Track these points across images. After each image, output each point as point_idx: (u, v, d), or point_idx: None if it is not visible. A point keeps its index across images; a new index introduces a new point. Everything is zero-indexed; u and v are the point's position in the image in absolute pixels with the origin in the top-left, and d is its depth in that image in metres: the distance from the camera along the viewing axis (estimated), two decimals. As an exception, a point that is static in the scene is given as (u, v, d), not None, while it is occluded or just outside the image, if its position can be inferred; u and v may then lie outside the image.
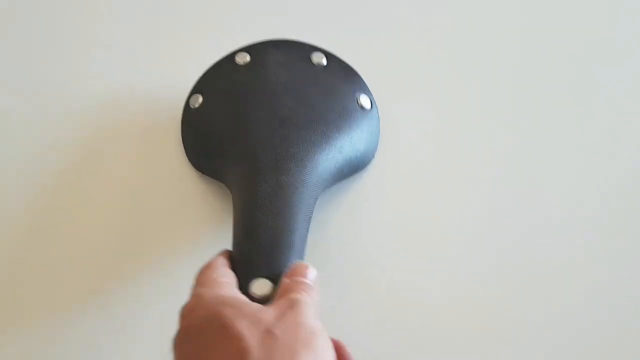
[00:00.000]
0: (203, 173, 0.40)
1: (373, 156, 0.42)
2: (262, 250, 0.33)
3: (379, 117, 0.42)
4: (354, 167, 0.40)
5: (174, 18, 0.54)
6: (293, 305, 0.30)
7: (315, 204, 0.37)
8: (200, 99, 0.41)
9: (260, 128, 0.38)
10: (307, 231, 0.36)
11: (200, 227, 0.43)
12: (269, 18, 0.53)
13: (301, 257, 0.34)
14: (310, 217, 0.36)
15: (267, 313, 0.29)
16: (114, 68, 0.51)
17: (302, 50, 0.42)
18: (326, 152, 0.38)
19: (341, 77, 0.42)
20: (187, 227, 0.43)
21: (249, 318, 0.28)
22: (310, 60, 0.41)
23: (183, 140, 0.41)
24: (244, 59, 0.41)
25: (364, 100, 0.42)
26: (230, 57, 0.42)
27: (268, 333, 0.27)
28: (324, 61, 0.42)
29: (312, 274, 0.33)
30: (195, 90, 0.42)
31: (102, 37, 0.54)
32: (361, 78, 0.43)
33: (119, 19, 0.55)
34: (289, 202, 0.35)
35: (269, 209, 0.34)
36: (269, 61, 0.41)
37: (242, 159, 0.37)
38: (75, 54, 0.52)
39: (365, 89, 0.42)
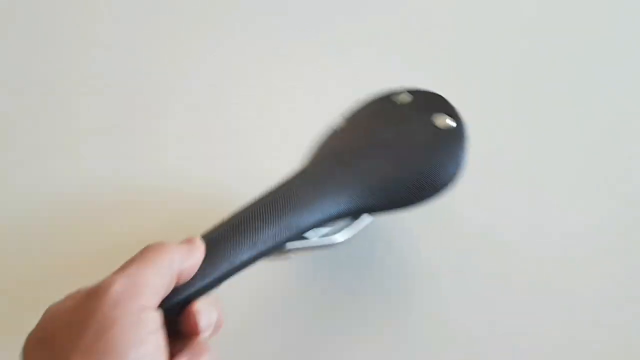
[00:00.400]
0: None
1: (448, 177, 0.38)
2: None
3: (462, 134, 0.39)
4: (418, 195, 0.38)
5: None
6: None
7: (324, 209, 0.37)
8: (341, 124, 0.43)
9: (353, 150, 0.40)
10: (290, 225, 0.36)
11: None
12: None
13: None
14: (301, 216, 0.36)
15: None
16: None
17: (392, 97, 0.43)
18: (370, 159, 0.39)
19: (418, 106, 0.41)
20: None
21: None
22: (392, 99, 0.42)
23: (318, 149, 0.43)
24: (339, 122, 0.43)
25: (441, 120, 0.40)
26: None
27: None
28: (409, 99, 0.42)
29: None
30: (343, 116, 0.44)
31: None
32: (441, 100, 0.41)
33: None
34: (280, 199, 0.36)
35: (266, 196, 0.36)
36: (362, 113, 0.43)
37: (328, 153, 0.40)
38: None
39: (443, 109, 0.40)
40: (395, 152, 0.38)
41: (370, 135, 0.40)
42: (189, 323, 0.30)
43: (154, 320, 0.28)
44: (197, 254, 0.32)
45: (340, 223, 0.37)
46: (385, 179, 0.38)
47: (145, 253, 0.30)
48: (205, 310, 0.31)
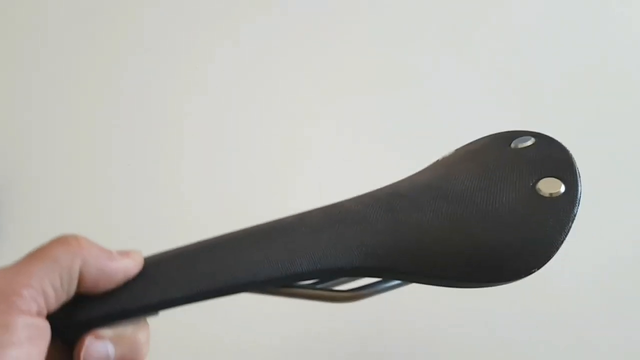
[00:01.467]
0: None
1: (524, 273, 0.28)
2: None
3: (569, 207, 0.28)
4: (460, 279, 0.28)
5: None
6: None
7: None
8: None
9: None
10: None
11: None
12: None
13: None
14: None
15: None
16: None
17: (507, 136, 0.33)
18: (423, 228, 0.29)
19: (530, 160, 0.31)
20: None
21: None
22: (510, 144, 0.32)
23: None
24: (448, 153, 0.35)
25: (545, 185, 0.29)
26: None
27: None
28: (528, 143, 0.31)
29: None
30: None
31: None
32: (564, 159, 0.30)
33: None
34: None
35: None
36: (460, 152, 0.34)
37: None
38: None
39: (554, 171, 0.30)
40: (459, 208, 0.29)
41: (445, 179, 0.30)
42: (74, 354, 0.25)
43: (26, 328, 0.23)
44: (122, 262, 0.26)
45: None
46: (431, 240, 0.28)
47: (48, 245, 0.25)
48: (95, 345, 0.25)
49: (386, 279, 0.29)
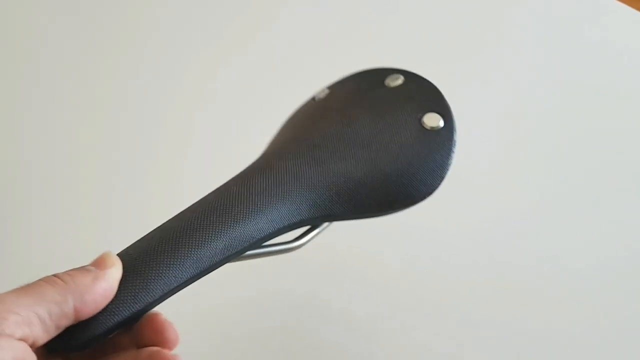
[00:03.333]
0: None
1: (427, 192, 0.33)
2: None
3: (449, 137, 0.34)
4: (380, 203, 0.33)
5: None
6: None
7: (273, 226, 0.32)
8: (327, 92, 0.39)
9: (326, 137, 0.35)
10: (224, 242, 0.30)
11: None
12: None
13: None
14: (235, 234, 0.30)
15: None
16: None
17: (380, 74, 0.37)
18: (344, 180, 0.33)
19: (409, 96, 0.35)
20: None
21: None
22: (384, 83, 0.36)
23: (292, 118, 0.39)
24: (323, 92, 0.38)
25: (430, 119, 0.34)
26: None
27: None
28: (399, 82, 0.36)
29: None
30: (327, 86, 0.39)
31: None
32: (436, 95, 0.35)
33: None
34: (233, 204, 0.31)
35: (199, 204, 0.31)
36: (340, 92, 0.37)
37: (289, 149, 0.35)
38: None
39: (433, 107, 0.35)
40: (372, 153, 0.33)
41: (348, 125, 0.34)
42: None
43: (10, 350, 0.23)
44: (105, 281, 0.26)
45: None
46: (358, 184, 0.33)
47: (35, 283, 0.25)
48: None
49: (320, 223, 0.33)
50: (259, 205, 0.30)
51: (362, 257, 0.44)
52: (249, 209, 0.30)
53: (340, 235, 0.37)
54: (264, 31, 0.56)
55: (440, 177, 0.33)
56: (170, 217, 0.30)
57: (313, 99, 0.38)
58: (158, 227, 0.29)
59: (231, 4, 0.58)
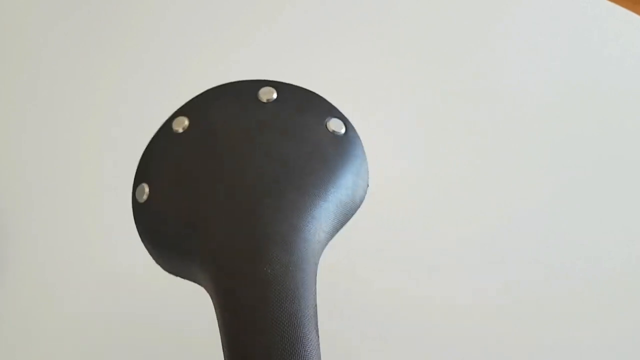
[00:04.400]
0: (175, 275, 0.32)
1: (366, 186, 0.33)
2: None
3: (357, 137, 0.33)
4: (348, 210, 0.32)
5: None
6: None
7: (315, 283, 0.28)
8: (147, 189, 0.32)
9: (225, 208, 0.29)
10: (316, 324, 0.27)
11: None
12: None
13: None
14: (315, 301, 0.27)
15: None
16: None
17: (247, 90, 0.34)
18: (311, 210, 0.29)
19: (299, 107, 0.33)
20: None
21: None
22: (259, 99, 0.33)
23: (141, 240, 0.33)
24: (181, 124, 0.32)
25: (336, 125, 0.33)
26: (167, 125, 0.33)
27: None
28: (274, 95, 0.33)
29: None
30: (139, 179, 0.33)
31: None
32: (324, 100, 0.34)
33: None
34: (287, 303, 0.26)
35: (264, 323, 0.26)
36: (212, 118, 0.32)
37: (211, 253, 0.29)
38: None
39: (333, 111, 0.34)
40: (313, 180, 0.30)
41: (269, 156, 0.30)
42: None
43: None
44: None
45: None
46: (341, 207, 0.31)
47: None
48: None
49: None
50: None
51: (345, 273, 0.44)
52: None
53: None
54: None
55: (366, 172, 0.32)
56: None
57: (172, 133, 0.32)
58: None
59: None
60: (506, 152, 0.49)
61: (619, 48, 0.56)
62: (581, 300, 0.43)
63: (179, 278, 0.44)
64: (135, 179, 0.33)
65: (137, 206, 0.32)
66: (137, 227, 0.32)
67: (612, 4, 0.58)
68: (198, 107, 0.33)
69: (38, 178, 0.49)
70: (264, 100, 0.33)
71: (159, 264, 0.32)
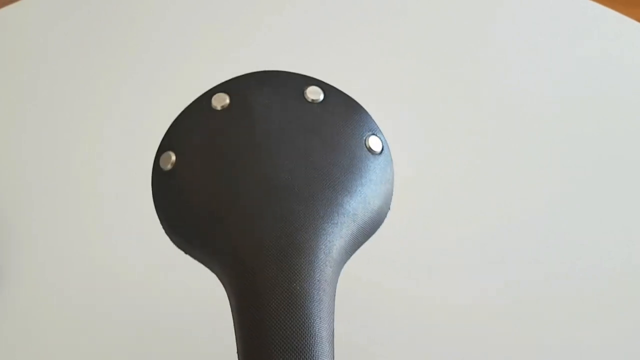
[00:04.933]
0: (185, 253, 0.32)
1: (389, 208, 0.32)
2: None
3: (391, 158, 0.33)
4: (369, 232, 0.31)
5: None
6: None
7: (334, 301, 0.28)
8: (173, 158, 0.31)
9: (255, 204, 0.28)
10: (333, 345, 0.27)
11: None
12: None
13: None
14: (333, 324, 0.27)
15: None
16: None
17: (294, 84, 0.33)
18: (338, 227, 0.29)
19: (343, 115, 0.32)
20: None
21: None
22: (305, 97, 0.32)
23: (156, 210, 0.32)
24: (222, 101, 0.32)
25: (374, 143, 0.32)
26: (206, 99, 0.32)
27: None
28: (321, 96, 0.32)
29: None
30: (166, 146, 0.32)
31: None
32: (367, 114, 0.33)
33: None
34: (309, 320, 0.26)
35: (286, 337, 0.26)
36: (253, 105, 0.31)
37: (237, 254, 0.28)
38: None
39: (373, 128, 0.33)
40: (344, 198, 0.29)
41: (306, 157, 0.30)
42: None
43: None
44: None
45: None
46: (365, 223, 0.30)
47: None
48: None
49: None
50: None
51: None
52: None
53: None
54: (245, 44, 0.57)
55: (390, 196, 0.32)
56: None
57: (210, 108, 0.31)
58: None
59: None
60: (506, 153, 0.49)
61: (617, 50, 0.56)
62: (582, 301, 0.43)
63: (179, 278, 0.44)
64: (161, 145, 0.32)
65: (159, 173, 0.31)
66: (154, 196, 0.31)
67: (610, 9, 0.58)
68: (242, 89, 0.32)
69: (38, 178, 0.49)
70: (310, 99, 0.32)
71: (171, 238, 0.31)
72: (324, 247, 0.28)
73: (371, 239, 0.45)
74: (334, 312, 0.27)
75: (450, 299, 0.42)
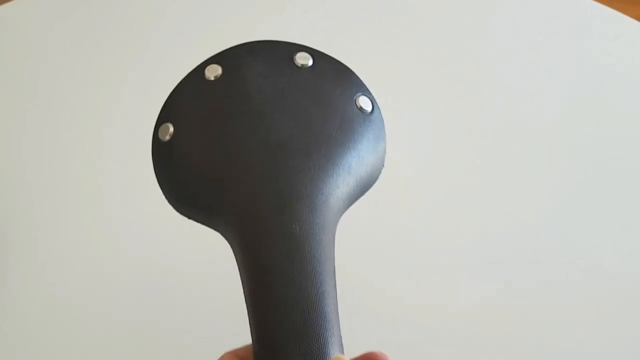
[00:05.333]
0: (190, 219, 0.33)
1: (383, 165, 0.34)
2: (293, 334, 0.26)
3: (382, 117, 0.35)
4: (365, 185, 0.33)
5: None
6: None
7: (334, 246, 0.30)
8: (171, 129, 0.33)
9: (253, 162, 0.30)
10: (335, 288, 0.29)
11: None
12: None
13: (339, 329, 0.28)
14: (334, 267, 0.29)
15: None
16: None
17: (283, 51, 0.34)
18: (334, 178, 0.31)
19: (332, 77, 0.34)
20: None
21: None
22: (294, 62, 0.34)
23: (158, 180, 0.33)
24: (215, 72, 0.33)
25: (364, 102, 0.34)
26: (199, 71, 0.34)
27: None
28: (310, 61, 0.34)
29: None
30: (163, 118, 0.33)
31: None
32: (356, 76, 0.35)
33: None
34: (311, 259, 0.28)
35: (288, 275, 0.28)
36: (246, 72, 0.33)
37: (236, 205, 0.30)
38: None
39: (363, 88, 0.35)
40: (334, 146, 0.31)
41: (300, 121, 0.31)
42: None
43: None
44: None
45: None
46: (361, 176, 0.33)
47: None
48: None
49: None
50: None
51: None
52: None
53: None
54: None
55: (383, 152, 0.34)
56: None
57: (203, 79, 0.33)
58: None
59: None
60: (507, 153, 0.49)
61: (617, 49, 0.56)
62: (581, 301, 0.43)
63: (178, 279, 0.44)
64: (159, 117, 0.33)
65: (158, 145, 0.33)
66: (155, 166, 0.33)
67: (608, 7, 0.58)
68: (233, 59, 0.33)
69: (38, 178, 0.49)
70: (299, 64, 0.33)
71: (174, 205, 0.33)
72: (321, 194, 0.30)
73: (371, 234, 0.45)
74: (333, 255, 0.29)
75: (450, 299, 0.42)
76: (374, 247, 0.44)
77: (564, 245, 0.45)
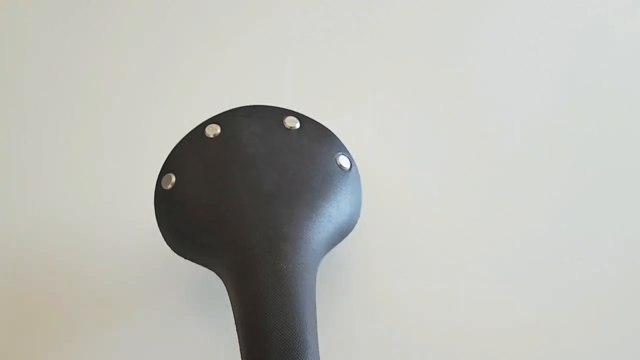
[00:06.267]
0: (186, 259, 0.37)
1: (359, 215, 0.39)
2: (277, 358, 0.30)
3: (358, 174, 0.40)
4: (343, 232, 0.38)
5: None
6: None
7: (315, 284, 0.34)
8: (174, 179, 0.37)
9: (246, 208, 0.34)
10: (316, 320, 0.32)
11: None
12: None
13: (318, 356, 0.31)
14: (315, 302, 0.33)
15: None
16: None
17: (274, 115, 0.39)
18: (316, 224, 0.35)
19: (316, 139, 0.39)
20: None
21: None
22: (284, 125, 0.39)
23: (159, 225, 0.38)
24: (214, 131, 0.38)
25: (343, 161, 0.39)
26: (199, 129, 0.38)
27: None
28: (297, 124, 0.39)
29: None
30: (166, 169, 0.38)
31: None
32: (337, 138, 0.40)
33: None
34: (294, 294, 0.32)
35: (274, 307, 0.31)
36: (242, 132, 0.38)
37: (231, 246, 0.34)
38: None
39: (342, 149, 0.40)
40: (325, 205, 0.36)
41: (288, 176, 0.36)
42: None
43: None
44: None
45: None
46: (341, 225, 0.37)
47: None
48: None
49: None
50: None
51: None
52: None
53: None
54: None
55: (359, 204, 0.39)
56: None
57: (203, 136, 0.37)
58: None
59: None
60: (507, 152, 0.49)
61: (618, 48, 0.56)
62: (582, 301, 0.43)
63: (178, 280, 0.44)
64: (162, 169, 0.38)
65: (161, 193, 0.37)
66: (157, 213, 0.37)
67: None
68: (230, 120, 0.38)
69: (38, 177, 0.49)
70: (288, 127, 0.38)
71: (173, 248, 0.37)
72: (305, 238, 0.34)
73: (370, 237, 0.45)
74: (315, 292, 0.33)
75: (450, 298, 0.42)
76: (372, 247, 0.45)
77: (565, 245, 0.45)
